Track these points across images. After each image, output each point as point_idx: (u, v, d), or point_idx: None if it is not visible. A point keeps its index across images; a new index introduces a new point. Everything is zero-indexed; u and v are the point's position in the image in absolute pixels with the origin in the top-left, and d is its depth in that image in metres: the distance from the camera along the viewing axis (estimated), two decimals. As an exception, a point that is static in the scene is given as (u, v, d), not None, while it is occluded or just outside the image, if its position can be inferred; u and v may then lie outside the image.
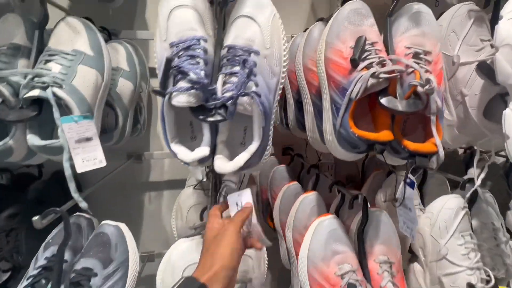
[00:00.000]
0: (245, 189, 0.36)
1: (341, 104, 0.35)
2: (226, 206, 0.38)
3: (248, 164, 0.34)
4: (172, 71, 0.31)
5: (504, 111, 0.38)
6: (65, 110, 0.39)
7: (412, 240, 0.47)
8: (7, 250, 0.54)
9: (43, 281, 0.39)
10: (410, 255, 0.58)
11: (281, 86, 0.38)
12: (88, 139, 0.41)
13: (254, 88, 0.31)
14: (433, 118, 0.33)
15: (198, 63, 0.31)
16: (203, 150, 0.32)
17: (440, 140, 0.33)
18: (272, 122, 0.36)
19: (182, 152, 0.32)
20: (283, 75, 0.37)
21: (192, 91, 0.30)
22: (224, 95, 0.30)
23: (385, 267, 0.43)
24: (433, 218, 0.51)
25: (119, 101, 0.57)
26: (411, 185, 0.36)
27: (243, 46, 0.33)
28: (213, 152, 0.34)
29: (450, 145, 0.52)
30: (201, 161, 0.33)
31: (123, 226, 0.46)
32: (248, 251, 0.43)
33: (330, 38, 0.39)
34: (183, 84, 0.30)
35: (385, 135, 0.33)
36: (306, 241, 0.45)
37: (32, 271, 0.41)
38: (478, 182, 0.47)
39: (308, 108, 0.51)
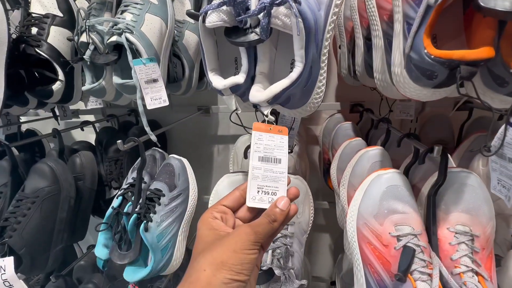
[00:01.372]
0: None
1: (414, 19, 0.27)
2: (233, 202, 0.28)
3: (287, 96, 0.31)
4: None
5: None
6: (136, 55, 0.46)
7: (509, 205, 0.35)
8: (115, 174, 0.72)
9: (130, 194, 0.50)
10: (515, 240, 0.44)
11: (339, 2, 0.31)
12: (155, 81, 0.46)
13: None
14: None
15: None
16: (236, 78, 0.31)
17: None
18: (322, 45, 0.31)
19: (216, 80, 0.32)
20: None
21: (223, 7, 0.28)
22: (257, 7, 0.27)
23: (462, 238, 0.34)
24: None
25: (185, 52, 0.62)
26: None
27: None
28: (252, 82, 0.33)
29: None
30: (234, 89, 0.32)
31: (185, 161, 0.53)
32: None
33: None
34: (214, 1, 0.28)
35: (478, 51, 0.23)
36: (358, 194, 0.40)
37: (124, 185, 0.53)
38: None
39: (378, 42, 0.41)
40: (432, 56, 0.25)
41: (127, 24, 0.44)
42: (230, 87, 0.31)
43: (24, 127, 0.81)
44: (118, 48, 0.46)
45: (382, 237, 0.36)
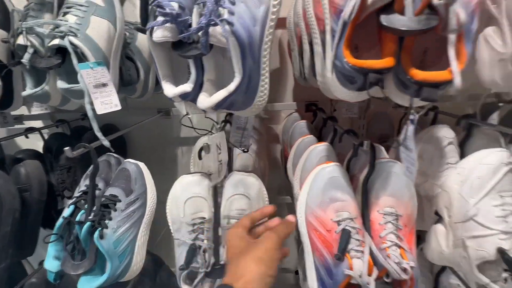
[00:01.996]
0: (220, 132, 0.36)
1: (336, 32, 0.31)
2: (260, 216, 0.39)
3: (230, 102, 0.33)
4: (151, 7, 0.31)
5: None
6: (82, 58, 0.44)
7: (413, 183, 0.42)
8: (68, 182, 0.68)
9: (82, 202, 0.48)
10: (437, 217, 0.52)
11: (274, 16, 0.34)
12: (104, 85, 0.45)
13: (226, 16, 0.29)
14: (451, 37, 0.26)
15: (172, -6, 0.30)
16: (185, 87, 0.33)
17: (458, 65, 0.26)
18: (260, 56, 0.34)
19: (167, 88, 0.34)
20: (275, 2, 0.34)
21: (167, 24, 0.29)
22: (197, 25, 0.29)
23: (389, 218, 0.40)
24: (464, 175, 0.44)
25: (139, 54, 0.61)
26: (413, 122, 0.30)
27: (224, -30, 0.31)
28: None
29: (501, 86, 0.42)
30: (183, 96, 0.33)
31: (142, 165, 0.52)
32: (247, 192, 0.45)
33: None
34: (159, 18, 0.30)
35: (382, 61, 0.28)
36: (305, 187, 0.44)
37: (76, 194, 0.51)
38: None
39: (318, 48, 0.46)
40: (350, 65, 0.30)
41: (70, 26, 0.43)
42: (179, 95, 0.33)
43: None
44: (61, 51, 0.44)
45: (325, 223, 0.41)
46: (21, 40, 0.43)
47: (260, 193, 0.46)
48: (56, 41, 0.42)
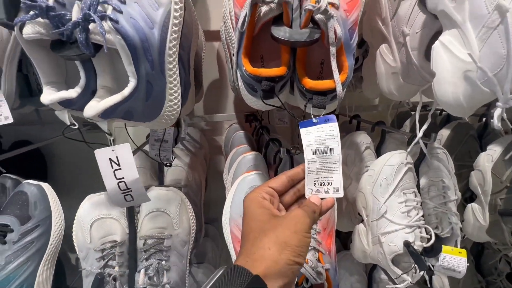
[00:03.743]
0: (123, 144, 0.33)
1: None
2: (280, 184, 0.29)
3: (127, 111, 0.31)
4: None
5: (433, 46, 0.33)
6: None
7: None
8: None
9: (-41, 236, 0.39)
10: (360, 218, 0.55)
11: (177, 21, 0.33)
12: (-11, 95, 0.39)
13: (109, 12, 0.27)
14: (332, 49, 0.28)
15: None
16: (67, 93, 0.29)
17: (339, 75, 0.29)
18: (163, 61, 0.33)
19: (46, 93, 0.30)
20: (178, 6, 0.33)
21: (39, 19, 0.26)
22: (74, 20, 0.26)
23: None
24: (374, 176, 0.48)
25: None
26: (327, 119, 0.30)
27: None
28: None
29: (397, 96, 0.47)
30: (67, 104, 0.30)
31: (45, 186, 0.45)
32: (166, 208, 0.42)
33: None
34: (29, 11, 0.26)
35: (274, 70, 0.29)
36: (229, 198, 0.43)
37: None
38: (419, 135, 0.43)
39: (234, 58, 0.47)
40: (248, 73, 0.30)
41: None
42: (59, 101, 0.29)
43: None
44: None
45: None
46: None
47: (183, 209, 0.43)
48: None
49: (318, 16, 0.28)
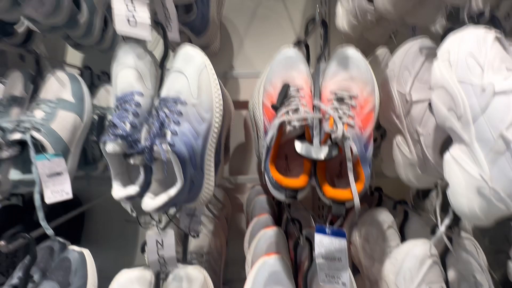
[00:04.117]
0: (168, 230, 0.38)
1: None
2: None
3: (172, 203, 0.36)
4: (108, 124, 0.36)
5: (444, 155, 0.36)
6: (40, 149, 0.47)
7: None
8: (4, 266, 0.62)
9: (10, 300, 0.44)
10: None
11: (217, 130, 0.40)
12: (59, 174, 0.47)
13: (169, 137, 0.34)
14: (349, 164, 0.32)
15: (126, 116, 0.36)
16: (130, 190, 0.36)
17: (356, 188, 0.32)
18: (203, 163, 0.39)
19: (116, 189, 0.37)
20: (217, 119, 0.40)
21: (118, 140, 0.34)
22: (142, 144, 0.34)
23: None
24: (397, 265, 0.47)
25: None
26: (338, 234, 0.33)
27: (173, 97, 0.37)
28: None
29: (416, 184, 0.49)
30: (129, 198, 0.36)
31: (86, 253, 0.50)
32: (185, 284, 0.44)
33: (266, 84, 0.42)
34: (111, 135, 0.34)
35: (296, 181, 0.33)
36: (248, 282, 0.44)
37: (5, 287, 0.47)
38: (442, 228, 0.43)
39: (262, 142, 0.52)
40: (274, 180, 0.35)
41: (35, 122, 0.47)
42: (125, 198, 0.36)
43: None
44: (21, 142, 0.47)
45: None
46: (-18, 133, 0.46)
47: (204, 285, 0.45)
48: (17, 136, 0.45)
49: (336, 138, 0.33)
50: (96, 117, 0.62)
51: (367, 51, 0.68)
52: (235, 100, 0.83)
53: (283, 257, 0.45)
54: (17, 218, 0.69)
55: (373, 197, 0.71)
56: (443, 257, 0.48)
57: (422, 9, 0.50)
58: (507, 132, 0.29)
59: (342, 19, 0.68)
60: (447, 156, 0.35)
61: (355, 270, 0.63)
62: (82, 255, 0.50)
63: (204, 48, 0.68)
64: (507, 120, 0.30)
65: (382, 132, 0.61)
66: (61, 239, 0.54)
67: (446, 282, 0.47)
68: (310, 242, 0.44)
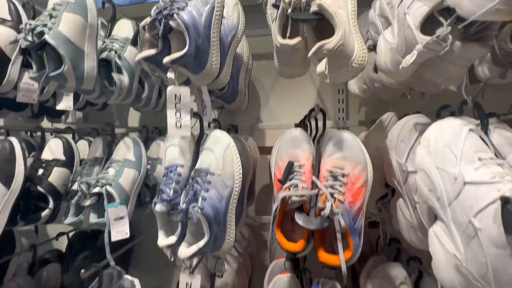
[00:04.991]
0: (196, 275, 0.48)
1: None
2: None
3: (201, 252, 0.47)
4: (158, 191, 0.50)
5: (429, 231, 0.41)
6: (110, 199, 0.63)
7: None
8: (76, 285, 0.80)
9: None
10: None
11: (237, 193, 0.51)
12: (122, 218, 0.63)
13: (199, 203, 0.46)
14: (338, 235, 0.40)
15: (171, 183, 0.49)
16: (170, 240, 0.48)
17: (344, 256, 0.39)
18: (226, 220, 0.50)
19: (160, 239, 0.49)
20: (237, 185, 0.51)
21: (164, 203, 0.48)
22: (180, 207, 0.47)
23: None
24: None
25: (154, 180, 0.81)
26: None
27: (204, 169, 0.50)
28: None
29: (420, 246, 0.52)
30: (169, 246, 0.48)
31: (136, 282, 0.64)
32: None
33: (276, 158, 0.52)
34: (159, 198, 0.48)
35: (295, 246, 0.42)
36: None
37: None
38: None
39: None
40: (278, 243, 0.43)
41: (108, 178, 0.64)
42: (167, 246, 0.48)
43: None
44: (98, 194, 0.64)
45: None
46: (75, 186, 0.64)
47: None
48: (97, 189, 0.62)
49: (324, 212, 0.41)
50: (149, 166, 0.79)
51: (382, 106, 0.75)
52: (261, 146, 0.95)
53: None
54: (86, 241, 0.88)
55: (391, 248, 0.72)
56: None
57: (422, 82, 0.57)
58: (475, 220, 0.34)
59: (353, 84, 0.76)
60: (430, 231, 0.40)
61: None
62: (134, 284, 0.63)
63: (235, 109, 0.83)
64: (475, 208, 0.34)
65: (393, 189, 0.66)
66: (118, 268, 0.69)
67: None
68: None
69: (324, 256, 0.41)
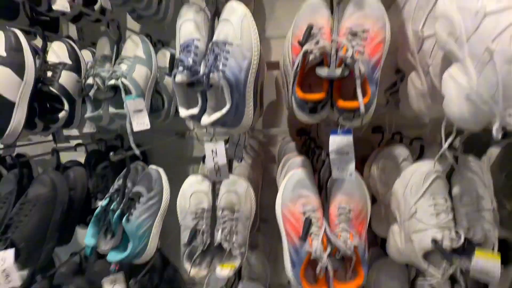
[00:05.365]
0: (219, 141, 0.52)
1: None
2: None
3: (222, 122, 0.50)
4: (176, 61, 0.50)
5: (443, 75, 0.43)
6: (127, 92, 0.64)
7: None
8: (101, 187, 0.86)
9: (115, 196, 0.65)
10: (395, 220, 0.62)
11: (255, 66, 0.52)
12: (140, 110, 0.65)
13: (221, 67, 0.47)
14: (357, 81, 0.42)
15: (190, 54, 0.49)
16: (193, 110, 0.50)
17: (363, 99, 0.42)
18: (245, 92, 0.52)
19: (182, 111, 0.51)
20: (255, 57, 0.52)
21: (184, 71, 0.48)
22: (201, 73, 0.47)
23: (342, 211, 0.52)
24: (405, 181, 0.56)
25: (165, 90, 0.81)
26: (346, 132, 0.44)
27: (222, 40, 0.50)
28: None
29: (427, 114, 0.56)
30: (192, 117, 0.51)
31: (161, 170, 0.69)
32: (237, 191, 0.59)
33: (294, 28, 0.52)
34: (179, 68, 0.48)
35: (316, 95, 0.44)
36: (281, 188, 0.58)
37: (110, 192, 0.68)
38: (445, 146, 0.50)
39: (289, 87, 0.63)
40: (298, 97, 0.46)
41: (122, 72, 0.64)
42: (189, 116, 0.50)
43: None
44: (113, 88, 0.64)
45: (295, 214, 0.54)
46: (90, 81, 0.64)
47: (248, 192, 0.60)
48: (112, 82, 0.62)
49: (348, 61, 0.42)
50: (158, 74, 0.78)
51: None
52: (267, 61, 0.94)
53: (309, 171, 0.58)
54: (103, 155, 0.92)
55: (394, 141, 0.78)
56: (450, 175, 0.56)
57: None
58: (492, 44, 0.36)
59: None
60: (445, 75, 0.43)
61: (373, 200, 0.72)
62: (158, 171, 0.68)
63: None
64: (493, 34, 0.36)
65: (401, 76, 0.68)
66: (141, 163, 0.74)
67: (450, 195, 0.54)
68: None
69: (342, 103, 0.43)
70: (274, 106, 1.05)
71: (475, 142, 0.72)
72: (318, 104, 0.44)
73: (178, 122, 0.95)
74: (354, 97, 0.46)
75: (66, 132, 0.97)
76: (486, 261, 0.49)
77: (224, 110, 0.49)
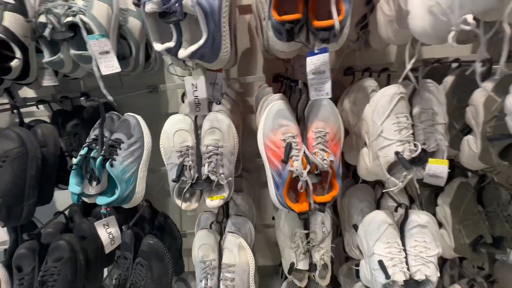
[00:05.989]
0: (200, 76, 0.51)
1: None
2: None
3: (200, 54, 0.49)
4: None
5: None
6: (89, 32, 0.59)
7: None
8: (75, 145, 0.82)
9: (94, 145, 0.63)
10: (364, 144, 0.69)
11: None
12: (107, 52, 0.60)
13: None
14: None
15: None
16: (169, 44, 0.48)
17: (337, 16, 0.43)
18: (220, 22, 0.50)
19: (157, 46, 0.49)
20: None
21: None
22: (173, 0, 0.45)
23: (318, 134, 0.57)
24: (373, 105, 0.62)
25: (130, 35, 0.75)
26: (323, 51, 0.47)
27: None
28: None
29: (395, 41, 0.60)
30: (168, 51, 0.49)
31: (139, 117, 0.67)
32: (220, 127, 0.61)
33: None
34: None
35: (292, 16, 0.45)
36: (262, 120, 0.60)
37: (87, 142, 0.65)
38: (408, 67, 0.55)
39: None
40: (276, 20, 0.46)
41: (79, 7, 0.57)
42: (165, 49, 0.48)
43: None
44: (72, 27, 0.58)
45: (276, 142, 0.57)
46: (42, 19, 0.57)
47: (230, 128, 0.62)
48: (70, 19, 0.56)
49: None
50: (121, 17, 0.71)
51: None
52: (239, 5, 0.89)
53: (287, 102, 0.60)
54: (71, 114, 0.86)
55: (364, 77, 0.82)
56: (411, 98, 0.62)
57: None
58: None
59: None
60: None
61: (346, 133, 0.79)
62: (136, 118, 0.67)
63: None
64: None
65: (371, 8, 0.69)
66: (116, 112, 0.71)
67: (411, 115, 0.61)
68: (306, 85, 0.57)
69: (317, 23, 0.45)
70: (248, 53, 1.03)
71: (435, 74, 0.79)
72: (295, 25, 0.45)
73: (149, 74, 0.90)
74: (329, 17, 0.48)
75: (22, 94, 0.88)
76: (437, 166, 0.59)
77: (201, 41, 0.48)
